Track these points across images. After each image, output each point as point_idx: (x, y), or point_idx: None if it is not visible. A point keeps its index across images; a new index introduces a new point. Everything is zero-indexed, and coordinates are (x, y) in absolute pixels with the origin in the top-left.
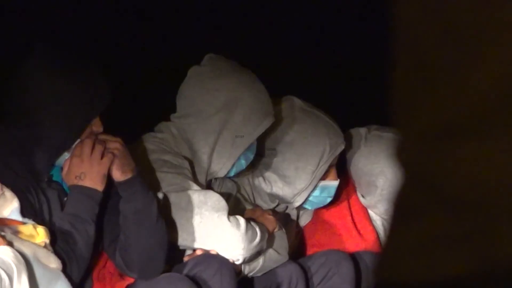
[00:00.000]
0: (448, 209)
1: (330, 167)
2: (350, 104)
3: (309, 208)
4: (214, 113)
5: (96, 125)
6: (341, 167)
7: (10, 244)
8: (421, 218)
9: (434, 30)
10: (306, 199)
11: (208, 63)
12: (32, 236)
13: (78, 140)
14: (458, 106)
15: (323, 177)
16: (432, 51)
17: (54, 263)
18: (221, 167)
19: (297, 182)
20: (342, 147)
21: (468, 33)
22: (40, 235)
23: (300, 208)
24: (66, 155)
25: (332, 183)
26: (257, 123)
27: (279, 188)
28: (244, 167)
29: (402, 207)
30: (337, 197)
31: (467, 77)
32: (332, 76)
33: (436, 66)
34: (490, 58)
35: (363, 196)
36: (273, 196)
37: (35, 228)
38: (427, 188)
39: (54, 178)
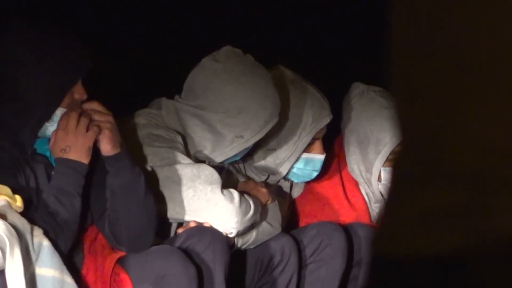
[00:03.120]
0: (446, 181)
1: (315, 140)
2: (348, 68)
3: (295, 181)
4: (216, 113)
5: (79, 92)
6: (331, 142)
7: (3, 217)
8: (419, 191)
9: None
10: (290, 171)
11: (223, 61)
12: (11, 197)
13: (65, 112)
14: (458, 70)
15: (308, 150)
16: (433, 15)
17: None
18: (213, 157)
19: (279, 152)
20: (328, 120)
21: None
22: (18, 200)
23: (288, 179)
24: (50, 127)
25: (317, 157)
26: (257, 130)
27: (261, 157)
28: (238, 158)
29: (401, 178)
30: (328, 169)
31: (470, 41)
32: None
33: (435, 32)
34: (492, 23)
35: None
36: (257, 168)
37: (12, 193)
38: (426, 160)
39: (38, 151)
